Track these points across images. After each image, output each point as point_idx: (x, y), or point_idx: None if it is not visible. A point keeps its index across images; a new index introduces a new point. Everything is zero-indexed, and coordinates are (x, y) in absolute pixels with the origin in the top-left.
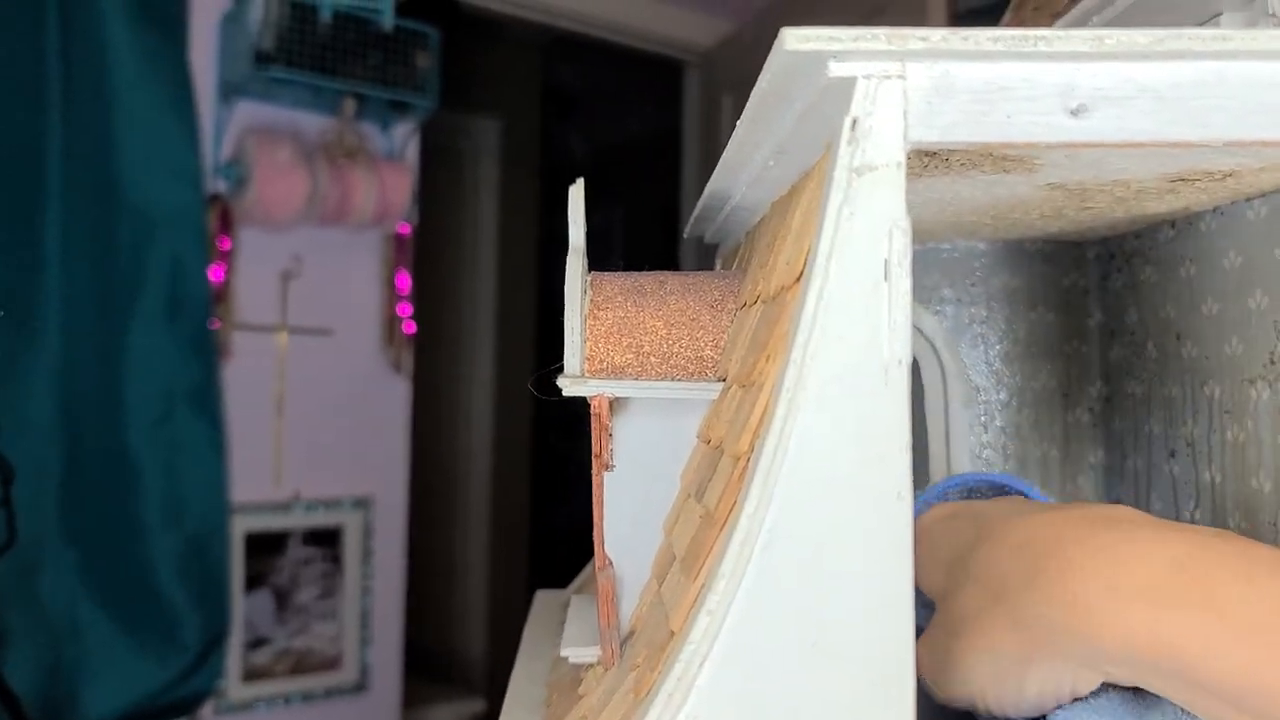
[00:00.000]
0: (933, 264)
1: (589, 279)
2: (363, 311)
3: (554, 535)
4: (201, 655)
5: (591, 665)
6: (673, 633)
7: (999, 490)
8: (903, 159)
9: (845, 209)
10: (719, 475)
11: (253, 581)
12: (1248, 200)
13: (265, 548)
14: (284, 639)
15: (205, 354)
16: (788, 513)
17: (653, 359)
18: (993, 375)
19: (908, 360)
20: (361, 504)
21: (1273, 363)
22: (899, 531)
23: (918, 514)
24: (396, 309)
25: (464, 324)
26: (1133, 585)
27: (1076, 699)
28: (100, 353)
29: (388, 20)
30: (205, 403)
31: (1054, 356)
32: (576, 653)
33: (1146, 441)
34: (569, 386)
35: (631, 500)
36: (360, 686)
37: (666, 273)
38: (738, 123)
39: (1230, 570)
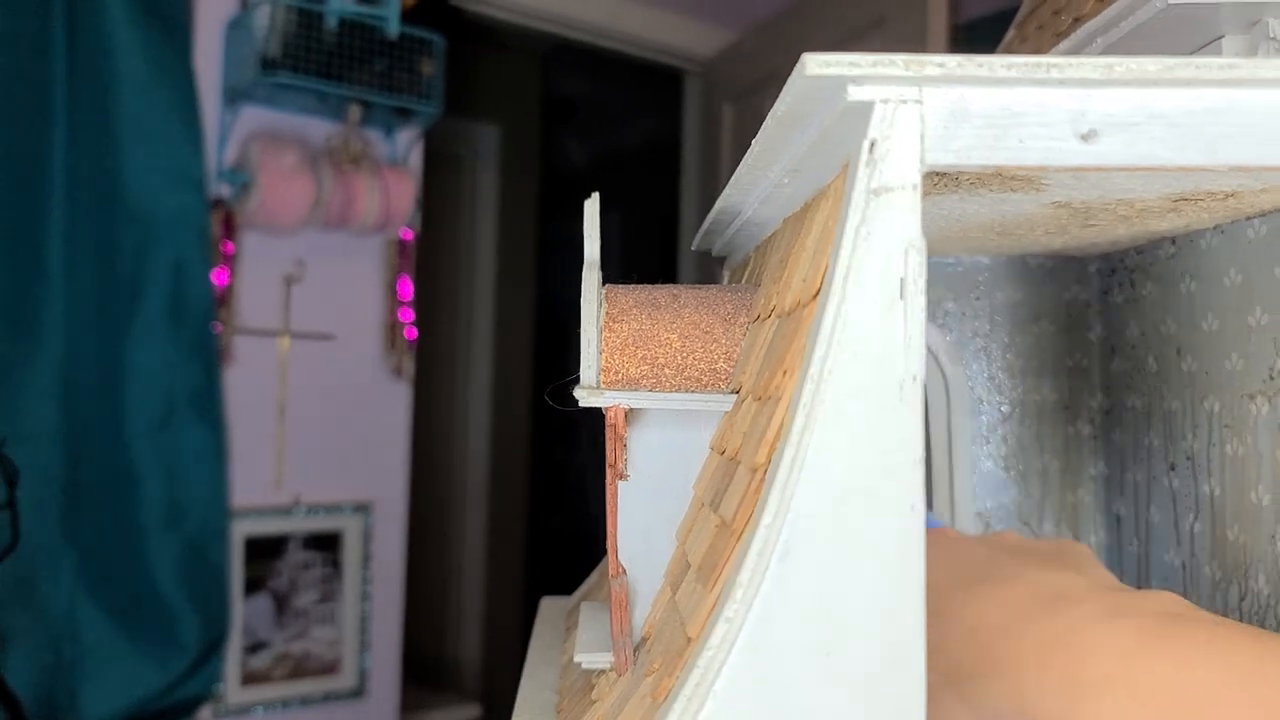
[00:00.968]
0: (937, 278)
1: (604, 292)
2: (365, 317)
3: (551, 541)
4: (200, 658)
5: (604, 671)
6: (690, 639)
7: None
8: (919, 181)
9: (863, 229)
10: (735, 486)
11: (252, 585)
12: (1248, 219)
13: (265, 552)
14: (283, 643)
15: (207, 358)
16: (804, 523)
17: (667, 371)
18: (995, 388)
19: (922, 376)
20: (362, 509)
21: (1272, 378)
22: (911, 542)
23: None
24: (398, 315)
25: (462, 330)
26: (1085, 680)
27: None
28: (102, 356)
29: (393, 27)
30: (206, 407)
31: (1055, 370)
32: (590, 659)
33: (1146, 454)
34: (586, 398)
35: (644, 509)
36: (358, 691)
37: (679, 286)
38: (753, 141)
39: (1178, 659)
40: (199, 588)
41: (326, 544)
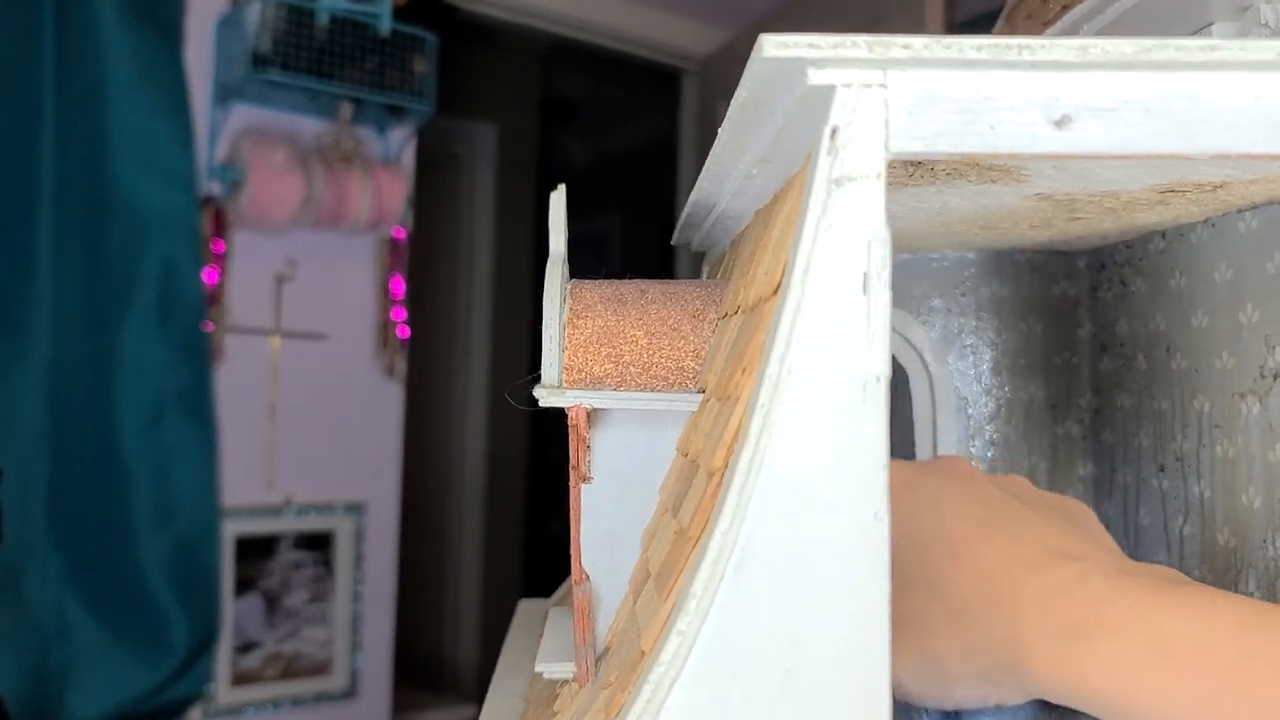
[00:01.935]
0: (922, 273)
1: (569, 287)
2: (356, 316)
3: (548, 542)
4: (190, 659)
5: (567, 681)
6: (644, 652)
7: None
8: (883, 170)
9: (824, 220)
10: (694, 491)
11: (243, 585)
12: (1238, 212)
13: (256, 551)
14: (274, 643)
15: (197, 357)
16: (761, 531)
17: (633, 369)
18: (981, 386)
19: (886, 376)
20: (353, 509)
21: (1263, 377)
22: (876, 552)
23: None
24: (390, 314)
25: (459, 330)
26: (1087, 628)
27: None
28: (91, 355)
29: (385, 24)
30: (196, 406)
31: (1043, 368)
32: (552, 668)
33: (1136, 455)
34: (546, 397)
35: (610, 513)
36: (350, 692)
37: (648, 281)
38: (719, 131)
39: (1181, 614)
40: (188, 587)
41: (318, 544)
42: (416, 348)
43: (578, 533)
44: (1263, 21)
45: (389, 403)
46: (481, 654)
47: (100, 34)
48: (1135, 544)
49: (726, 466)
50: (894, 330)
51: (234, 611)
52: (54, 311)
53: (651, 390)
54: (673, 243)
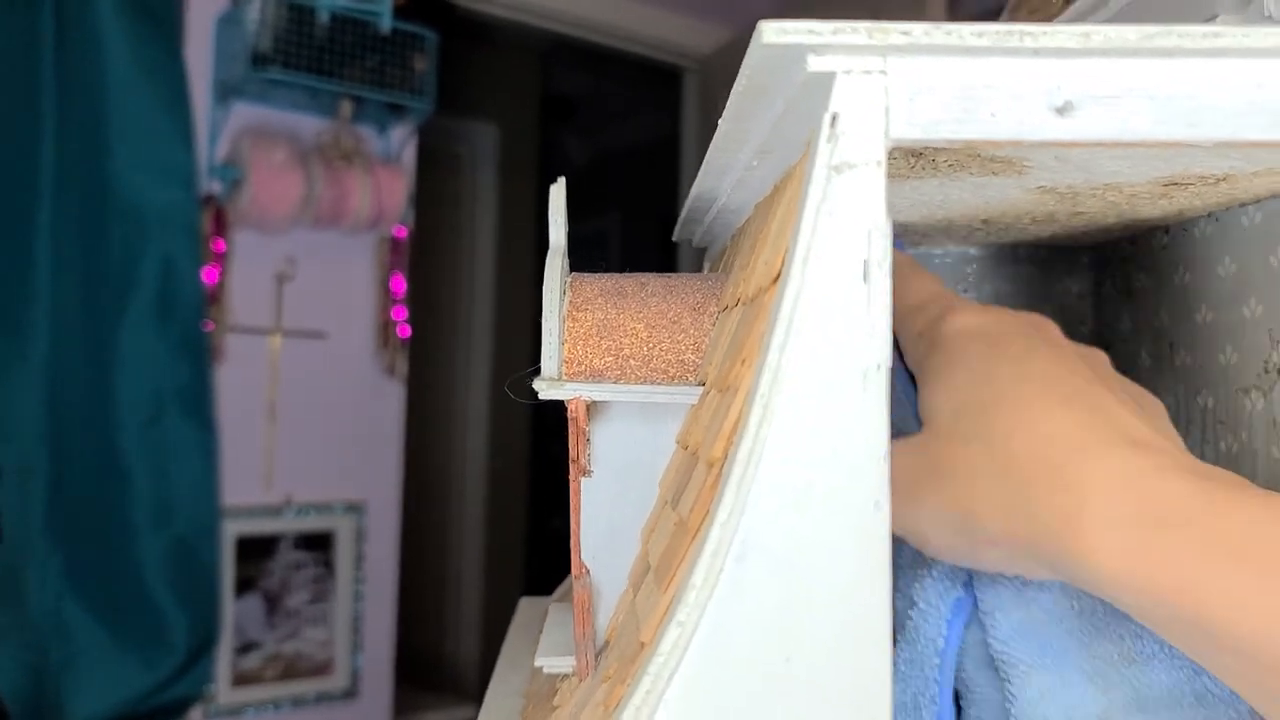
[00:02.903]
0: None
1: (569, 280)
2: (357, 315)
3: (550, 541)
4: (190, 659)
5: (567, 676)
6: (643, 644)
7: None
8: (883, 157)
9: (824, 208)
10: (693, 482)
11: (243, 585)
12: (1242, 206)
13: (256, 551)
14: (274, 644)
15: (197, 356)
16: (761, 522)
17: (633, 362)
18: None
19: (887, 366)
20: (354, 509)
21: (1266, 372)
22: (876, 543)
23: None
24: (391, 313)
25: (459, 329)
26: (1158, 520)
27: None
28: (90, 354)
29: (385, 23)
30: (196, 405)
31: None
32: (551, 663)
33: None
34: (545, 389)
35: (609, 507)
36: (351, 692)
37: (648, 274)
38: (719, 122)
39: (1264, 516)
40: (188, 587)
41: (318, 544)
42: (417, 347)
43: (577, 526)
44: (1267, 13)
45: (390, 402)
46: (483, 653)
47: (100, 32)
48: None
49: (726, 457)
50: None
51: (234, 612)
52: (53, 310)
53: (651, 383)
54: (674, 239)
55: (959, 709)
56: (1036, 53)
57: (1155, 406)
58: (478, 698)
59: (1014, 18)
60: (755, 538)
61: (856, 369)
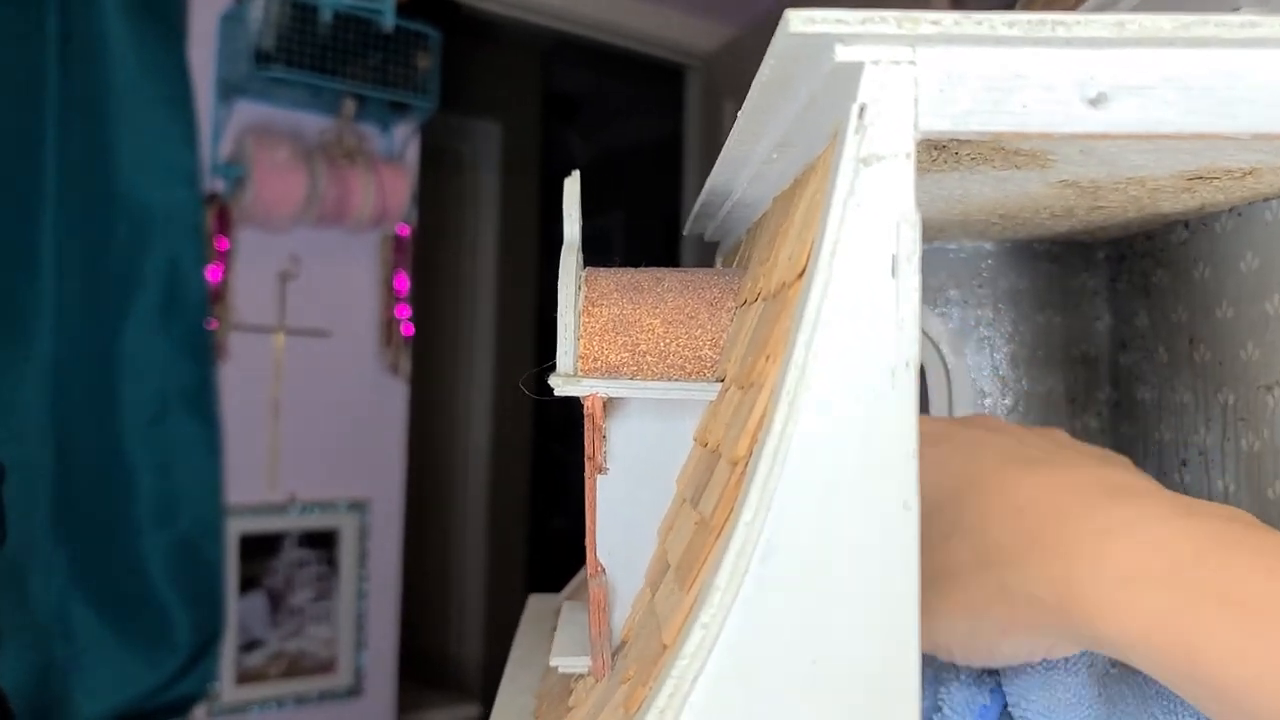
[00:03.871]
0: (939, 264)
1: (584, 275)
2: (360, 313)
3: (553, 539)
4: (194, 657)
5: (582, 676)
6: (665, 646)
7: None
8: (912, 149)
9: (851, 201)
10: (715, 481)
11: (247, 583)
12: (1266, 201)
13: (260, 550)
14: (278, 642)
15: (201, 354)
16: (787, 522)
17: (649, 358)
18: (998, 379)
19: (916, 362)
20: (357, 507)
21: None
22: (905, 543)
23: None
24: (394, 311)
25: (463, 327)
26: (1148, 574)
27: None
28: (94, 352)
29: (388, 21)
30: (200, 403)
31: (1061, 361)
32: (566, 662)
33: (1157, 449)
34: (561, 386)
35: (625, 505)
36: (354, 690)
37: (664, 269)
38: (739, 114)
39: (1255, 563)
40: (192, 586)
41: (322, 542)
42: (420, 345)
43: (593, 524)
44: None
45: (393, 400)
46: (486, 651)
47: (104, 31)
48: None
49: (750, 456)
50: None
51: (238, 610)
52: (57, 308)
53: (668, 379)
54: (684, 233)
55: None
56: (1069, 42)
57: (1127, 463)
58: (481, 695)
59: (1030, 7)
60: (781, 538)
61: (885, 366)
